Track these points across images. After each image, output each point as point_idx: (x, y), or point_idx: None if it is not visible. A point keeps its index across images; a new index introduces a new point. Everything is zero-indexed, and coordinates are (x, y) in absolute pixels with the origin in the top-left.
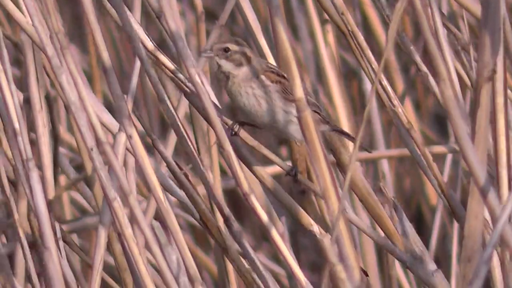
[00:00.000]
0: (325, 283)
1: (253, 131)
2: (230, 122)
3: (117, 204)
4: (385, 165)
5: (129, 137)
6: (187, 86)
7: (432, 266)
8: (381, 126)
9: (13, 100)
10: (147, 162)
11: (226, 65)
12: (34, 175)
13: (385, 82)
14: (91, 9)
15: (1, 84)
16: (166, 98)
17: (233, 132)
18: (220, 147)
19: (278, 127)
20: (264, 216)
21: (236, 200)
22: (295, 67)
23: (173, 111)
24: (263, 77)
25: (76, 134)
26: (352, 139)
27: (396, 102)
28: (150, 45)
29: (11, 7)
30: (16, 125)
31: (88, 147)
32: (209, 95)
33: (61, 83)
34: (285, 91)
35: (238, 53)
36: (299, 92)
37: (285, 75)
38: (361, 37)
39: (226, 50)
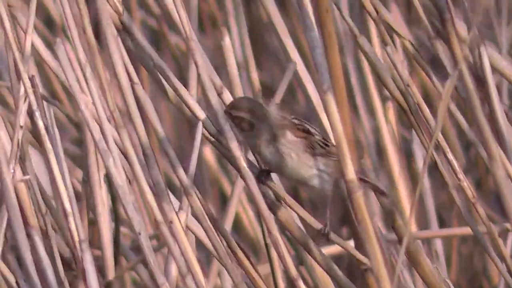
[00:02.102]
0: None
1: None
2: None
3: None
4: (438, 245)
5: (169, 222)
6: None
7: None
8: (434, 204)
9: (64, 180)
10: (189, 249)
11: (238, 130)
12: (88, 256)
13: (450, 156)
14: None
15: (52, 164)
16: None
17: (261, 181)
18: (268, 231)
19: (302, 180)
20: None
21: None
22: (346, 148)
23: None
24: (288, 133)
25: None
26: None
27: (461, 176)
28: (213, 129)
29: (75, 88)
30: (67, 206)
31: (136, 231)
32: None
33: (108, 167)
34: (310, 146)
35: (244, 120)
36: (350, 173)
37: (310, 130)
38: (426, 110)
39: (230, 115)
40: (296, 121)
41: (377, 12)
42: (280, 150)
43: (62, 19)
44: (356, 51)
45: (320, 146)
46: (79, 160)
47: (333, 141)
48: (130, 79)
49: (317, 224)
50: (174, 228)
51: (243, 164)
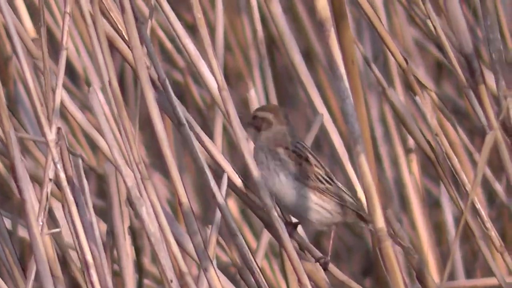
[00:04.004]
0: None
1: None
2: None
3: None
4: None
5: (204, 270)
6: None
7: None
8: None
9: (84, 230)
10: None
11: (252, 130)
12: None
13: (478, 205)
14: (166, 143)
15: (74, 216)
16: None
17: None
18: (298, 281)
19: (298, 211)
20: None
21: None
22: (376, 196)
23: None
24: (280, 150)
25: (158, 265)
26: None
27: (489, 225)
28: (238, 181)
29: (96, 137)
30: (88, 258)
31: (168, 279)
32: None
33: (141, 215)
34: (305, 176)
35: (259, 118)
36: (379, 222)
37: (310, 159)
38: (455, 159)
39: (254, 117)
40: (298, 145)
41: (407, 62)
42: (270, 165)
43: (84, 70)
44: (379, 103)
45: (319, 180)
46: (102, 212)
47: (339, 183)
48: (179, 121)
49: (342, 276)
50: (208, 276)
51: (275, 213)
